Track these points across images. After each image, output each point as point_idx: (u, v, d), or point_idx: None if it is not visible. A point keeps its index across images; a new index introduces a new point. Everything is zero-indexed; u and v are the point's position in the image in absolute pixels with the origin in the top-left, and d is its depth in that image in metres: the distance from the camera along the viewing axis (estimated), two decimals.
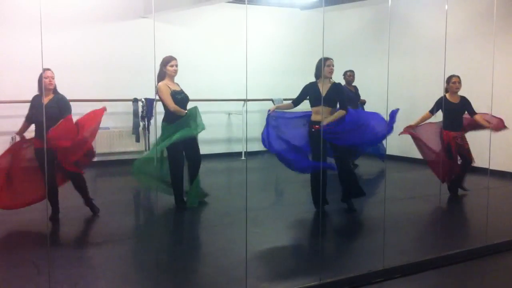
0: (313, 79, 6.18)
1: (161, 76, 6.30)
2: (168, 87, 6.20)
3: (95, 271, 4.35)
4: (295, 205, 6.42)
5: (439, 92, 7.03)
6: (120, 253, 4.83)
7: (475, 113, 7.03)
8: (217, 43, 10.65)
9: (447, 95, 7.07)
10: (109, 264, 4.52)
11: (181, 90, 6.35)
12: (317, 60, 6.11)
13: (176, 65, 6.27)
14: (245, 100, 8.85)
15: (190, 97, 6.46)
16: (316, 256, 4.68)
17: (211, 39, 10.60)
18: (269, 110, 6.28)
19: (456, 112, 7.02)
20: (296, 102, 6.20)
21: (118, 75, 9.56)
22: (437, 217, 6.40)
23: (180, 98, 6.24)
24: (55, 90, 5.73)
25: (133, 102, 9.59)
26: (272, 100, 10.92)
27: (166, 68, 6.23)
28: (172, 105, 6.13)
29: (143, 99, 9.58)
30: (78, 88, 8.93)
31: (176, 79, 6.38)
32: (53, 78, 5.67)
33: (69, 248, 4.98)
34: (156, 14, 9.03)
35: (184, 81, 6.70)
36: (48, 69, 5.63)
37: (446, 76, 6.90)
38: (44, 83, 5.54)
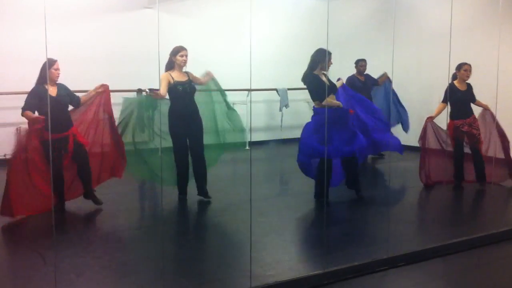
0: None
1: (170, 65, 6.26)
2: (171, 77, 6.17)
3: (101, 262, 4.37)
4: (300, 195, 6.42)
5: (444, 82, 7.00)
6: (125, 244, 4.86)
7: (475, 100, 7.03)
8: (221, 33, 10.63)
9: (455, 82, 7.01)
10: (114, 254, 4.54)
11: (188, 80, 6.25)
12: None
13: (186, 55, 6.22)
14: (249, 90, 8.84)
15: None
16: (320, 245, 4.70)
17: (215, 29, 10.58)
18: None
19: (464, 100, 6.97)
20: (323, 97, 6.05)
21: (122, 66, 9.55)
22: (442, 206, 6.39)
23: (182, 89, 6.16)
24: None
25: (137, 92, 9.58)
26: (276, 90, 10.91)
27: (176, 58, 6.18)
28: (162, 93, 6.20)
29: (147, 90, 9.56)
30: (82, 79, 8.91)
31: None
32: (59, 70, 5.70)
33: (74, 238, 5.00)
34: (160, 4, 8.99)
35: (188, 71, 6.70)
36: (56, 60, 5.63)
37: (453, 65, 6.87)
38: (53, 74, 5.58)
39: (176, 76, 6.20)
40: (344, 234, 5.16)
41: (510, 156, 7.02)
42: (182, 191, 6.37)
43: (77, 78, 8.70)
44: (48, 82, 5.52)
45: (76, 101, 6.00)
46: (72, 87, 6.11)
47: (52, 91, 5.65)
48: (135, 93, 9.10)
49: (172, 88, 6.17)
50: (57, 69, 5.64)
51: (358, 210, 6.06)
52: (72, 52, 8.92)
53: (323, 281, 3.90)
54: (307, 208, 6.10)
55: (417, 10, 10.12)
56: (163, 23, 8.91)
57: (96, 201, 5.94)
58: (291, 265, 4.26)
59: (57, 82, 5.78)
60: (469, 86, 7.04)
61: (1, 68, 8.58)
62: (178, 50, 6.19)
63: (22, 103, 5.69)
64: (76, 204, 5.95)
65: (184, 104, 6.21)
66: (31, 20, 7.96)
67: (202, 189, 6.32)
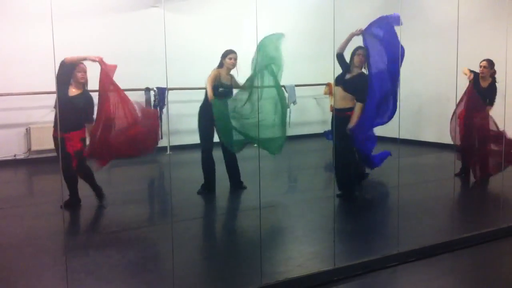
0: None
1: (220, 66, 6.47)
2: (218, 76, 6.35)
3: (111, 260, 4.39)
4: (309, 191, 6.42)
5: (452, 77, 6.96)
6: (136, 242, 4.87)
7: (490, 106, 6.96)
8: (227, 30, 10.63)
9: (480, 78, 7.04)
10: (124, 252, 4.56)
11: (230, 85, 6.44)
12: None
13: (235, 59, 6.44)
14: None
15: (202, 85, 6.46)
16: (330, 241, 4.70)
17: (221, 27, 10.58)
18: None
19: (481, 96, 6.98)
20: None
21: (130, 65, 9.56)
22: (452, 200, 6.38)
23: (220, 91, 6.30)
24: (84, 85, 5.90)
25: (145, 91, 9.62)
26: (284, 86, 10.89)
27: (225, 60, 6.42)
28: (210, 94, 6.22)
29: (155, 88, 9.60)
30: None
31: (186, 67, 6.38)
32: (85, 72, 5.84)
33: (85, 237, 5.03)
34: (166, 3, 9.02)
35: (195, 69, 6.72)
36: (82, 63, 5.82)
37: (460, 59, 6.85)
38: (77, 77, 5.76)
39: (223, 77, 6.39)
40: (354, 230, 5.16)
41: None
42: (205, 188, 6.47)
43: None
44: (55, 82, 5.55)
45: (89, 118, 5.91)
46: None
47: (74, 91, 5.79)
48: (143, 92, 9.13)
49: (214, 88, 6.30)
50: (80, 72, 5.80)
51: (368, 206, 6.05)
52: (79, 51, 8.94)
53: (333, 278, 3.91)
54: (316, 204, 6.10)
55: (424, 4, 10.08)
56: (170, 22, 8.96)
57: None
58: (301, 262, 4.26)
59: (83, 87, 5.89)
60: (491, 87, 7.01)
61: (9, 69, 8.62)
62: (227, 53, 6.44)
63: (30, 104, 5.72)
64: (86, 203, 5.98)
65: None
66: (38, 21, 8.01)
67: (237, 181, 6.65)
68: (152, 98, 9.62)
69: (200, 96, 6.52)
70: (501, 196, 5.77)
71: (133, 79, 9.52)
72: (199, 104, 6.51)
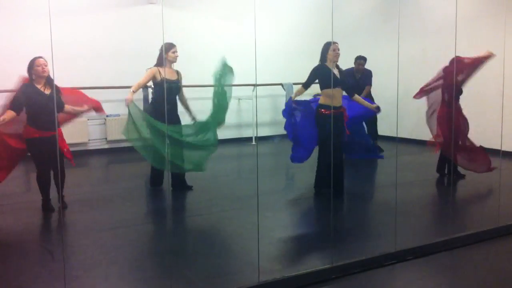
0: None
1: (160, 61, 6.20)
2: (159, 73, 6.16)
3: (108, 257, 4.38)
4: (306, 189, 6.41)
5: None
6: (133, 239, 4.86)
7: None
8: (226, 27, 10.62)
9: None
10: (122, 249, 4.55)
11: (176, 80, 6.24)
12: (324, 43, 6.11)
13: (177, 51, 6.17)
14: (255, 85, 8.84)
15: (201, 82, 6.42)
16: (328, 239, 4.69)
17: (220, 24, 10.57)
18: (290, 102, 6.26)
19: None
20: (307, 85, 6.14)
21: (127, 62, 9.56)
22: (449, 199, 6.37)
23: (167, 87, 6.12)
24: (48, 78, 5.60)
25: (142, 88, 9.58)
26: (281, 84, 10.90)
27: (168, 55, 6.14)
28: (133, 89, 6.04)
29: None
30: (88, 76, 8.96)
31: (185, 64, 6.32)
32: (46, 66, 5.53)
33: (82, 234, 5.01)
34: None
35: (193, 67, 6.69)
36: (40, 57, 5.52)
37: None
38: (37, 71, 5.49)
39: (167, 73, 6.16)
40: (352, 228, 5.16)
41: None
42: (154, 183, 6.47)
43: (81, 75, 8.76)
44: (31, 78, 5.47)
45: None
46: (77, 83, 6.05)
47: (43, 88, 5.56)
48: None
49: (159, 83, 6.18)
50: (39, 65, 5.49)
51: (365, 204, 6.04)
52: (77, 48, 8.94)
53: (331, 276, 3.90)
54: (314, 202, 6.09)
55: (422, 2, 10.08)
56: (167, 18, 8.94)
57: (64, 206, 5.81)
58: (299, 260, 4.26)
59: (48, 80, 5.61)
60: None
61: (9, 65, 8.58)
62: (170, 47, 6.12)
63: None
64: (82, 200, 5.97)
65: (164, 101, 6.15)
66: (35, 17, 7.99)
67: (182, 181, 6.48)
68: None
69: (199, 93, 6.49)
70: (499, 195, 5.77)
71: (131, 76, 9.49)
72: (196, 101, 6.48)
